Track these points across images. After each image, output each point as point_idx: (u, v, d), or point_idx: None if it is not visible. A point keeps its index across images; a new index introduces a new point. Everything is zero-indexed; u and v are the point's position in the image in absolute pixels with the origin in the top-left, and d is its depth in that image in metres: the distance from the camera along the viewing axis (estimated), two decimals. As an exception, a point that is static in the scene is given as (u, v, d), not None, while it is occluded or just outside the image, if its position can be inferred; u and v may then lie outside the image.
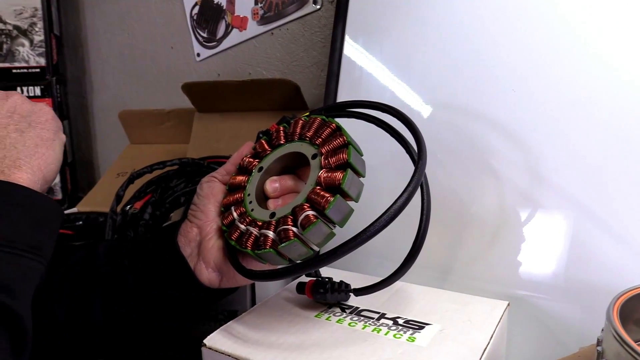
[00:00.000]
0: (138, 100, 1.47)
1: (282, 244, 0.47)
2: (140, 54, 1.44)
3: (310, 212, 0.46)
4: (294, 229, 0.47)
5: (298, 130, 0.54)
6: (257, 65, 1.18)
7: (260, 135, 0.59)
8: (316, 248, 0.47)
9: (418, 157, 0.48)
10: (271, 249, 0.48)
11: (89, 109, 1.60)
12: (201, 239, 0.55)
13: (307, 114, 0.57)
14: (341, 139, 0.49)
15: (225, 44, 1.21)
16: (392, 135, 0.55)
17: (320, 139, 0.51)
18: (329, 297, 0.57)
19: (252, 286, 0.70)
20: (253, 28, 1.14)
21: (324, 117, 0.53)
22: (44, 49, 1.42)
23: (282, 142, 0.55)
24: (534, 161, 0.66)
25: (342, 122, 0.53)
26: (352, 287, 0.57)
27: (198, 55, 1.28)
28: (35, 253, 0.43)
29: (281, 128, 0.57)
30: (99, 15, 1.51)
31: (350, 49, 0.83)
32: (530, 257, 0.65)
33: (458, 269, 0.69)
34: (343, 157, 0.47)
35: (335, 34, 0.86)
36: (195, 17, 1.26)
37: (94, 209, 1.15)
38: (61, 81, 1.48)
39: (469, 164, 0.70)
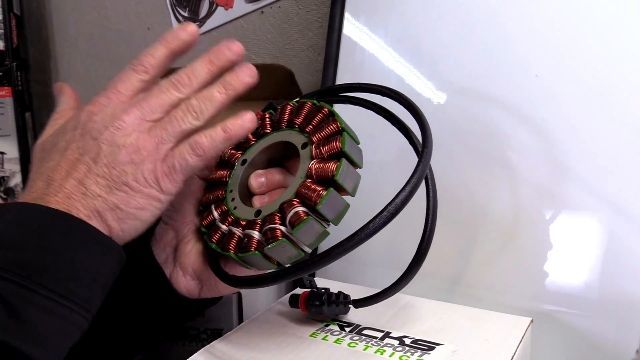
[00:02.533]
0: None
1: (269, 245, 0.47)
2: (113, 36, 1.44)
3: (300, 209, 0.46)
4: (282, 227, 0.47)
5: (286, 116, 0.54)
6: (246, 48, 1.13)
7: None
8: (308, 249, 0.47)
9: (422, 146, 0.48)
10: (256, 252, 0.48)
11: (54, 99, 1.60)
12: (177, 243, 0.55)
13: (297, 99, 0.57)
14: (334, 125, 0.49)
15: (209, 24, 1.21)
16: (392, 122, 0.55)
17: (311, 126, 0.51)
18: (325, 310, 0.57)
19: (239, 300, 0.70)
20: (240, 6, 1.14)
21: (315, 101, 0.53)
22: (2, 31, 1.42)
23: (268, 130, 0.56)
24: (559, 153, 0.66)
25: (338, 109, 0.53)
26: (351, 299, 0.57)
27: (178, 37, 1.27)
28: (86, 309, 0.43)
29: (267, 115, 0.57)
30: None
31: (351, 28, 0.84)
32: (557, 266, 0.65)
33: (472, 279, 0.69)
34: (337, 145, 0.47)
35: (334, 12, 0.86)
36: (174, -7, 1.26)
37: None
38: (22, 67, 1.47)
39: (484, 157, 0.70)
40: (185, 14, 1.25)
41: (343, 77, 0.84)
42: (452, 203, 0.70)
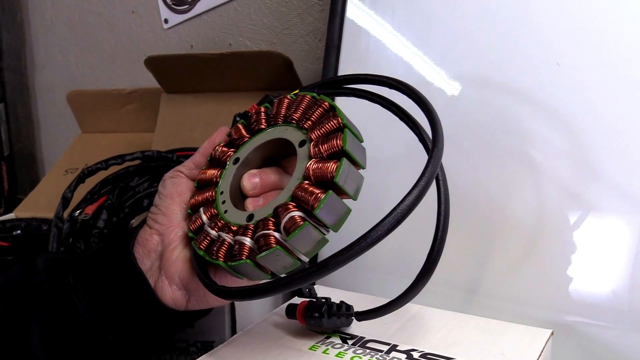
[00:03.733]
0: (91, 78, 1.47)
1: (262, 254, 0.46)
2: (94, 20, 1.45)
3: (296, 213, 0.46)
4: (276, 234, 0.46)
5: (283, 111, 0.54)
6: (239, 34, 1.18)
7: (237, 118, 0.59)
8: (305, 258, 0.47)
9: (432, 144, 0.47)
10: (248, 260, 0.48)
11: (30, 89, 1.61)
12: (163, 249, 0.55)
13: (296, 92, 0.56)
14: (335, 121, 0.49)
15: (199, 7, 1.21)
16: (400, 117, 0.55)
17: (309, 122, 0.51)
18: (325, 323, 0.57)
19: (232, 310, 0.71)
20: (234, -13, 1.15)
21: (314, 94, 0.53)
22: None
23: (263, 126, 0.55)
24: (586, 151, 0.66)
25: (342, 102, 0.52)
26: (354, 310, 0.57)
27: (166, 21, 1.29)
28: None
29: (262, 109, 0.57)
30: None
31: (355, 12, 0.84)
32: (582, 273, 0.65)
33: (488, 288, 0.69)
34: (337, 143, 0.47)
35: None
36: (161, -27, 1.27)
37: (36, 215, 1.14)
38: None
39: (502, 155, 0.70)
40: (173, -4, 1.26)
41: (346, 65, 0.84)
42: (467, 205, 0.70)
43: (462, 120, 0.72)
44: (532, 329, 0.59)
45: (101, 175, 0.82)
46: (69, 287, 0.55)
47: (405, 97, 0.53)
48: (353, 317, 0.57)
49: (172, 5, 1.27)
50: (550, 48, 0.68)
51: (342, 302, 0.58)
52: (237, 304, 0.71)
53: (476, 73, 0.73)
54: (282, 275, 0.48)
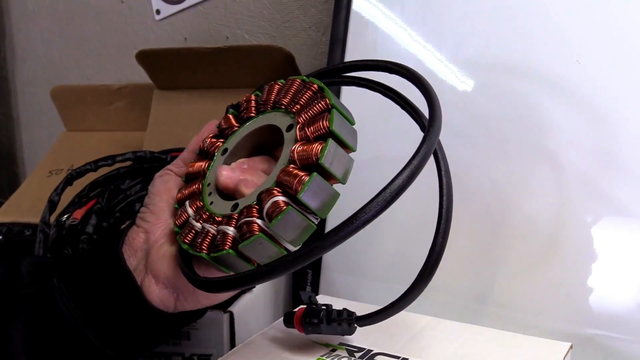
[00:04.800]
0: (77, 72, 1.48)
1: (244, 242, 0.47)
2: (79, 10, 1.46)
3: (280, 198, 0.46)
4: (259, 221, 0.47)
5: (272, 97, 0.55)
6: (237, 26, 1.20)
7: (229, 109, 0.60)
8: (291, 247, 0.47)
9: (429, 120, 0.47)
10: (230, 250, 0.48)
11: (10, 84, 1.62)
12: (149, 247, 0.56)
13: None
14: (323, 102, 0.49)
15: (194, -3, 1.23)
16: (396, 101, 0.56)
17: (298, 106, 0.52)
18: (324, 329, 0.57)
19: (231, 321, 0.72)
20: (231, -24, 1.16)
21: (304, 77, 0.54)
22: None
23: (252, 114, 0.56)
24: (609, 146, 0.67)
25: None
26: (355, 315, 0.57)
27: (157, 12, 1.30)
28: None
29: (252, 97, 0.58)
30: None
31: (362, 4, 0.85)
32: (604, 282, 0.66)
33: (501, 297, 0.70)
34: (323, 124, 0.47)
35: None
36: (153, -39, 1.28)
37: (17, 219, 1.15)
38: None
39: (518, 152, 0.71)
40: (166, -15, 1.27)
41: (352, 60, 0.85)
42: (479, 207, 0.71)
43: (473, 112, 0.73)
44: (550, 342, 0.59)
45: (90, 177, 0.83)
46: (53, 290, 0.56)
47: (410, 87, 0.53)
48: (354, 324, 0.57)
49: (165, -5, 1.28)
50: (569, 39, 0.70)
51: (344, 308, 0.58)
52: (236, 314, 0.72)
53: (490, 67, 0.74)
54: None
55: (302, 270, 0.85)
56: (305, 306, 0.59)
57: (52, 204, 0.81)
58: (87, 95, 1.31)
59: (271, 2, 1.14)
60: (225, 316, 0.71)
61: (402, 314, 0.56)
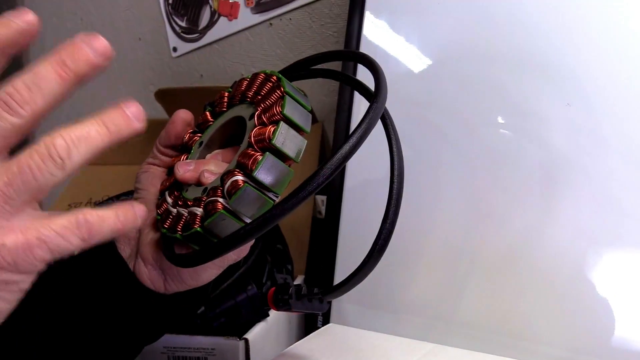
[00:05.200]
0: (95, 107, 1.46)
1: (208, 219, 0.52)
2: (97, 47, 1.52)
3: (239, 177, 0.51)
4: (221, 200, 0.52)
5: (240, 91, 0.61)
6: (252, 64, 1.26)
7: (207, 106, 0.66)
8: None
9: (376, 89, 0.53)
10: (198, 228, 0.53)
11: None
12: (139, 235, 0.62)
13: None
14: (279, 91, 0.56)
15: (210, 36, 1.29)
16: (344, 81, 0.62)
17: (259, 97, 0.58)
18: (294, 305, 0.61)
19: (247, 349, 0.77)
20: (246, 17, 1.23)
21: (266, 70, 0.60)
22: None
23: (224, 109, 0.63)
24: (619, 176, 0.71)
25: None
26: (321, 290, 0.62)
27: (174, 49, 1.36)
28: None
29: (225, 93, 0.64)
30: None
31: (370, 46, 0.91)
32: (626, 310, 0.68)
33: (509, 326, 0.73)
34: (277, 110, 0.53)
35: (351, 27, 0.94)
36: (170, 1, 1.35)
37: None
38: None
39: (524, 179, 0.76)
40: (183, 24, 1.34)
41: (361, 98, 0.91)
42: (484, 236, 0.76)
43: (484, 148, 0.79)
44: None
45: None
46: (56, 280, 0.61)
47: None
48: (324, 299, 0.61)
49: (182, 34, 1.35)
50: (567, 79, 0.75)
51: (315, 288, 0.63)
52: (251, 342, 0.78)
53: (499, 104, 0.80)
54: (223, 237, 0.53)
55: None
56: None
57: (76, 237, 0.87)
58: (105, 130, 1.35)
59: (284, 42, 1.20)
60: (241, 343, 0.77)
61: (406, 341, 0.61)
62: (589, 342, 0.70)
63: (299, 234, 1.05)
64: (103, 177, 1.34)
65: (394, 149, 0.58)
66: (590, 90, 0.74)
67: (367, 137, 0.48)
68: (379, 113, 0.51)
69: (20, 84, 0.41)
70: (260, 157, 0.50)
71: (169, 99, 1.13)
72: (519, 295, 0.74)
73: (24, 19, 0.41)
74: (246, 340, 0.77)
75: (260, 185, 0.51)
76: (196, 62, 1.35)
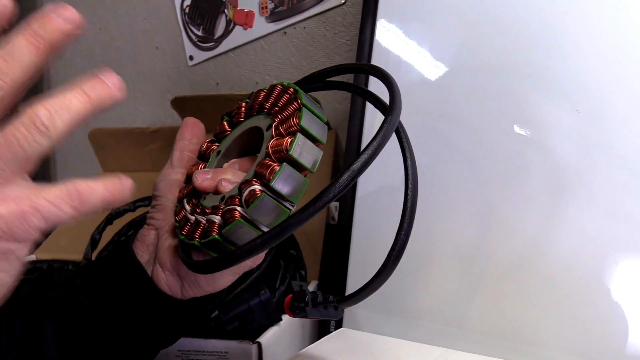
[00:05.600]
0: (113, 115, 1.54)
1: (226, 227, 0.53)
2: (115, 55, 1.55)
3: (256, 187, 0.53)
4: (239, 208, 0.53)
5: (258, 102, 0.62)
6: (266, 72, 1.27)
7: (224, 116, 0.68)
8: (267, 230, 0.54)
9: (390, 103, 0.53)
10: (216, 236, 0.55)
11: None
12: (157, 241, 0.64)
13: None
14: (296, 103, 0.57)
15: (226, 45, 1.31)
16: (359, 94, 0.63)
17: (276, 108, 0.59)
18: (310, 313, 0.63)
19: (260, 353, 0.78)
20: (261, 26, 1.25)
21: (283, 82, 0.61)
22: None
23: (241, 119, 0.64)
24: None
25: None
26: (338, 298, 0.64)
27: (191, 58, 1.38)
28: None
29: (242, 104, 0.65)
30: (62, 3, 1.61)
31: (382, 54, 0.93)
32: (635, 316, 0.69)
33: (518, 331, 0.74)
34: (294, 121, 0.55)
35: (363, 36, 0.96)
36: (187, 11, 1.37)
37: (57, 257, 1.17)
38: None
39: (538, 174, 0.77)
40: (199, 33, 1.36)
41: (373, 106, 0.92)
42: (501, 242, 0.77)
43: (494, 156, 0.80)
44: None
45: (128, 217, 0.91)
46: (76, 287, 0.63)
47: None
48: (337, 305, 0.63)
49: (198, 42, 1.37)
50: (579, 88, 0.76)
51: (330, 294, 0.64)
52: (264, 346, 0.79)
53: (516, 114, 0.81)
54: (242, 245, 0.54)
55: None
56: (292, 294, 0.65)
57: (93, 242, 0.89)
58: (123, 138, 1.37)
59: (298, 50, 1.22)
60: (254, 347, 0.78)
61: (417, 345, 0.61)
62: (597, 347, 0.70)
63: (313, 240, 1.06)
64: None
65: (408, 162, 0.59)
66: (598, 97, 0.74)
67: (381, 150, 0.49)
68: (393, 127, 0.52)
69: None
70: (277, 168, 0.52)
71: (185, 106, 1.15)
72: (528, 301, 0.75)
73: (66, 16, 0.42)
74: (259, 344, 0.78)
75: (277, 195, 0.52)
76: (212, 70, 1.36)
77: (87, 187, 0.44)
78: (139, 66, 1.51)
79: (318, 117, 0.56)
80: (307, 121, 0.54)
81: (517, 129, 0.80)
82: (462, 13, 0.86)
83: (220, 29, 1.32)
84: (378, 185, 0.89)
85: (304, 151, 0.53)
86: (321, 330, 0.95)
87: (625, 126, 0.73)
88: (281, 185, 0.52)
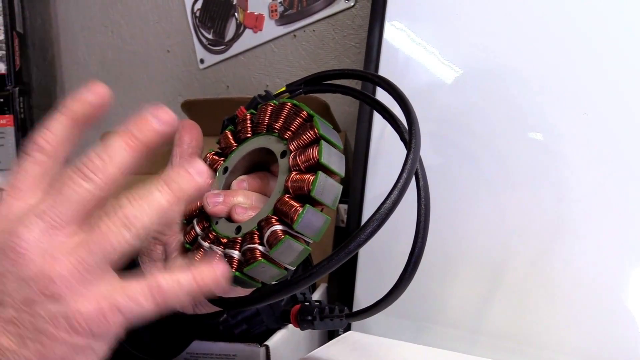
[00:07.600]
0: (124, 118, 1.54)
1: (248, 267, 0.53)
2: (127, 59, 1.56)
3: (278, 227, 0.52)
4: (260, 247, 0.53)
5: (266, 120, 0.61)
6: (276, 75, 1.28)
7: (226, 122, 0.67)
8: (291, 267, 0.54)
9: (410, 136, 0.53)
10: (237, 272, 0.55)
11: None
12: (166, 258, 0.63)
13: (282, 89, 0.64)
14: (312, 132, 0.55)
15: (236, 48, 1.32)
16: (379, 111, 0.61)
17: (289, 132, 0.57)
18: (317, 325, 0.64)
19: (267, 356, 0.79)
20: (271, 29, 1.26)
21: (295, 102, 0.59)
22: (3, 52, 1.50)
23: (248, 135, 0.62)
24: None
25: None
26: (346, 312, 0.64)
27: (201, 61, 1.39)
28: None
29: (248, 116, 0.63)
30: (75, 7, 1.63)
31: (391, 57, 0.94)
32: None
33: (531, 336, 0.74)
34: (313, 155, 0.53)
35: (371, 39, 0.96)
36: (197, 14, 1.39)
37: None
38: (25, 92, 1.53)
39: (552, 181, 0.77)
40: (210, 36, 1.37)
41: None
42: (509, 247, 0.77)
43: (506, 161, 0.80)
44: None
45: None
46: None
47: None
48: (346, 319, 0.63)
49: (208, 46, 1.38)
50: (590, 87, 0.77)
51: (336, 305, 0.65)
52: (272, 349, 0.79)
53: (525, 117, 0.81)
54: (273, 283, 0.55)
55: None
56: (299, 304, 0.66)
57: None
58: (135, 141, 1.38)
59: (308, 53, 1.23)
60: (262, 350, 0.78)
61: (426, 349, 0.61)
62: (613, 352, 0.70)
63: (322, 243, 1.07)
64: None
65: (421, 182, 0.58)
66: (608, 101, 0.74)
67: (407, 189, 0.50)
68: (417, 153, 0.52)
69: (92, 155, 0.44)
70: (300, 209, 0.51)
71: (195, 109, 1.15)
72: (542, 306, 0.75)
73: (96, 92, 0.47)
74: (267, 347, 0.79)
75: (299, 235, 0.52)
76: (222, 73, 1.38)
77: (172, 282, 0.45)
78: (150, 69, 1.53)
79: (336, 146, 0.55)
80: (327, 155, 0.53)
81: (526, 131, 0.80)
82: (470, 16, 0.86)
83: (230, 32, 1.33)
84: (386, 187, 0.88)
85: (325, 190, 0.52)
86: (329, 333, 0.95)
87: (635, 128, 0.73)
88: (304, 228, 0.51)
